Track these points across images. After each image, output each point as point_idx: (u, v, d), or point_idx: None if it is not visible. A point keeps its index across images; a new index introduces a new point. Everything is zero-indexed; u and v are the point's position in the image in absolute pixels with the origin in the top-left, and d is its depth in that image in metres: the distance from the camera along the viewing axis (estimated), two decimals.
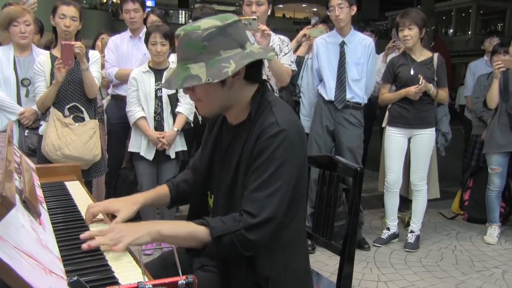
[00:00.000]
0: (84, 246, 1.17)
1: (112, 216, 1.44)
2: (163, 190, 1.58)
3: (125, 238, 1.19)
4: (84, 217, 1.44)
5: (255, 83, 1.37)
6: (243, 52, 1.29)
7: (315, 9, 26.52)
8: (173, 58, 3.58)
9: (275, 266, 1.36)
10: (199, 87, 1.29)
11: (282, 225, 1.34)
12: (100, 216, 1.45)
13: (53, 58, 2.99)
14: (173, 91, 3.20)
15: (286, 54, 3.08)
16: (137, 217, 3.45)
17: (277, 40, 3.09)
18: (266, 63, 3.01)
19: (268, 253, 1.35)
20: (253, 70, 1.33)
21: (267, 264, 1.34)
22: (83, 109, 3.02)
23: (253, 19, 2.82)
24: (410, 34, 3.31)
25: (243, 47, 1.30)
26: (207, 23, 1.27)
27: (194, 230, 1.26)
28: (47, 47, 3.65)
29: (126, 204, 1.44)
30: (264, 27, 2.87)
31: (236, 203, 1.33)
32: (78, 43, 2.89)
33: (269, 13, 3.08)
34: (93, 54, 3.12)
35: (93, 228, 1.36)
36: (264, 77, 3.05)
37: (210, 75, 1.23)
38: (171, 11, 24.29)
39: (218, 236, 1.24)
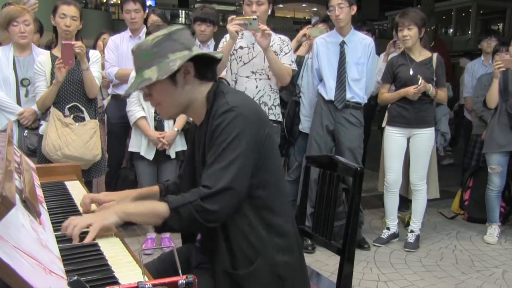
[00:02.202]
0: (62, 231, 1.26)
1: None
2: (155, 190, 1.67)
3: (95, 224, 1.26)
4: (82, 214, 1.48)
5: (210, 81, 1.45)
6: (190, 53, 1.39)
7: (315, 9, 26.52)
8: None
9: (264, 247, 1.39)
10: (155, 90, 1.40)
11: (260, 206, 1.39)
12: (94, 207, 1.54)
13: (53, 58, 2.99)
14: None
15: (286, 53, 3.08)
16: None
17: (277, 39, 3.09)
18: (266, 63, 3.00)
19: (254, 234, 1.38)
20: (204, 69, 1.43)
21: (254, 244, 1.38)
22: (83, 109, 3.02)
23: (254, 18, 2.82)
24: (409, 34, 3.31)
25: (190, 49, 1.40)
26: (154, 35, 1.40)
27: (154, 206, 1.33)
28: (48, 47, 3.65)
29: (118, 198, 1.56)
30: (265, 26, 2.86)
31: None
32: (79, 43, 2.89)
33: (269, 12, 3.07)
34: (94, 54, 3.12)
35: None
36: (264, 77, 3.05)
37: (160, 74, 1.35)
38: (171, 11, 24.27)
39: (175, 208, 1.30)
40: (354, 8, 3.28)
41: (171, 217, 1.30)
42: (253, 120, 1.36)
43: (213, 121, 1.36)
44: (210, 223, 1.32)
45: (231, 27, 2.86)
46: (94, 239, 1.24)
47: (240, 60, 3.05)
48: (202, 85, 1.44)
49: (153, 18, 3.84)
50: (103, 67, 3.48)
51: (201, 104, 1.44)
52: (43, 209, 1.37)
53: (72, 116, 2.99)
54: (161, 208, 1.31)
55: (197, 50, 1.42)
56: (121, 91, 3.63)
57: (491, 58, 4.64)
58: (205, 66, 1.43)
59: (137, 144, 3.27)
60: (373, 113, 4.57)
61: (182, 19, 25.34)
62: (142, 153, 3.24)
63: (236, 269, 1.38)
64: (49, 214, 1.44)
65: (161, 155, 3.25)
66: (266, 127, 1.41)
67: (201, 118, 1.46)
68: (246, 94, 1.55)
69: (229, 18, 2.94)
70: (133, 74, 3.23)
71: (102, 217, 1.29)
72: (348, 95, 3.31)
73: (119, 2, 17.66)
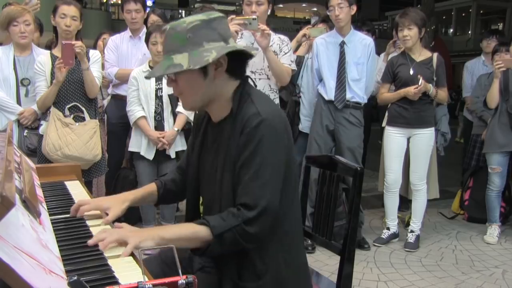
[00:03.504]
0: (91, 242, 1.20)
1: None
2: (151, 188, 1.62)
3: (131, 240, 1.20)
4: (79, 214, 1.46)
5: (237, 78, 1.39)
6: (226, 45, 1.32)
7: (315, 9, 26.52)
8: None
9: (272, 260, 1.37)
10: (182, 78, 1.33)
11: (277, 217, 1.35)
12: (96, 211, 1.49)
13: (53, 58, 2.99)
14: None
15: (286, 53, 3.07)
16: (137, 217, 3.45)
17: (277, 39, 3.09)
18: (265, 63, 3.00)
19: (262, 246, 1.35)
20: (236, 64, 1.36)
21: (262, 257, 1.36)
22: (83, 109, 3.02)
23: (253, 18, 2.82)
24: (409, 34, 3.31)
25: (226, 41, 1.33)
26: (193, 17, 1.32)
27: (196, 231, 1.28)
28: (48, 46, 3.65)
29: (116, 202, 1.48)
30: (264, 26, 2.86)
31: (223, 197, 1.36)
32: (79, 43, 2.89)
33: (269, 12, 3.07)
34: (94, 54, 3.12)
35: (90, 223, 1.40)
36: (264, 76, 3.05)
37: (192, 62, 1.27)
38: (171, 11, 24.27)
39: (219, 234, 1.26)
40: (354, 8, 3.28)
41: (215, 242, 1.27)
42: (283, 132, 1.34)
43: (244, 131, 1.30)
44: (251, 244, 1.31)
45: (231, 27, 2.85)
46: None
47: None
48: (229, 81, 1.37)
49: (153, 18, 3.84)
50: (103, 67, 3.48)
51: (225, 101, 1.38)
52: (43, 209, 1.37)
53: (72, 116, 2.99)
54: (203, 233, 1.27)
55: (233, 42, 1.36)
56: (121, 91, 3.63)
57: (492, 58, 4.65)
58: (237, 61, 1.36)
59: (137, 144, 3.27)
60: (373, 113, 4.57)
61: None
62: (142, 153, 3.24)
63: (243, 281, 1.36)
64: (49, 214, 1.44)
65: (161, 155, 3.25)
66: (289, 134, 1.39)
67: (221, 116, 1.41)
68: (269, 97, 1.48)
69: (229, 18, 2.94)
70: (134, 73, 3.23)
71: (139, 238, 1.22)
72: (348, 95, 3.31)
73: (119, 2, 17.65)
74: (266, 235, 1.32)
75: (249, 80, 1.45)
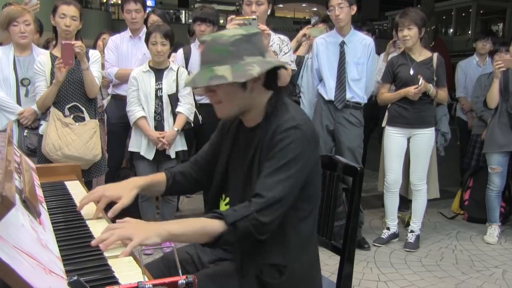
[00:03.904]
0: (93, 242, 1.19)
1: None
2: (160, 177, 1.62)
3: (135, 238, 1.17)
4: (82, 215, 1.46)
5: (271, 89, 1.45)
6: (264, 59, 1.39)
7: (315, 9, 26.52)
8: (173, 58, 3.58)
9: (291, 256, 1.41)
10: (222, 90, 1.37)
11: (299, 218, 1.41)
12: (100, 214, 1.48)
13: (53, 58, 2.99)
14: (173, 91, 3.21)
15: (286, 53, 3.07)
16: (137, 216, 3.45)
17: (276, 39, 3.08)
18: None
19: (286, 245, 1.40)
20: (271, 77, 1.42)
21: (285, 255, 1.40)
22: (83, 109, 3.02)
23: (253, 18, 2.81)
24: (409, 34, 3.31)
25: (263, 55, 1.40)
26: (233, 31, 1.38)
27: (204, 225, 1.28)
28: (45, 46, 3.65)
29: (125, 190, 1.48)
30: (264, 27, 2.86)
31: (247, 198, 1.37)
32: (79, 43, 2.89)
33: (269, 12, 3.07)
34: (94, 54, 3.12)
35: (91, 225, 1.39)
36: None
37: (236, 76, 1.31)
38: (171, 11, 24.27)
39: (233, 223, 1.28)
40: (354, 8, 3.28)
41: (229, 232, 1.28)
42: (314, 142, 1.39)
43: (276, 134, 1.35)
44: (262, 235, 1.32)
45: (230, 27, 2.85)
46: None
47: None
48: (264, 93, 1.43)
49: (153, 18, 3.84)
50: (103, 67, 3.48)
51: (260, 111, 1.44)
52: (43, 209, 1.37)
53: (72, 116, 2.99)
54: (213, 226, 1.28)
55: (268, 57, 1.43)
56: (121, 91, 3.63)
57: (486, 59, 4.65)
58: (272, 74, 1.42)
59: (137, 144, 3.27)
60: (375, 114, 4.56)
61: (182, 19, 25.35)
62: (142, 153, 3.24)
63: (265, 276, 1.39)
64: (49, 214, 1.44)
65: (161, 155, 3.25)
66: (318, 147, 1.44)
67: (255, 122, 1.46)
68: (301, 109, 1.56)
69: (229, 18, 2.94)
70: (134, 73, 3.23)
71: (144, 234, 1.19)
72: (348, 95, 3.31)
73: (119, 2, 17.64)
74: (275, 226, 1.34)
75: (282, 90, 1.51)
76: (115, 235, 1.19)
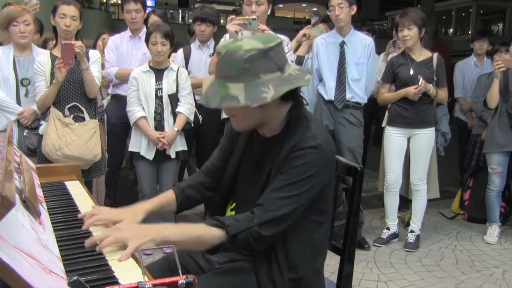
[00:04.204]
0: (87, 242, 1.19)
1: None
2: (169, 196, 1.57)
3: (131, 243, 1.17)
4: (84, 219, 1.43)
5: (290, 101, 1.39)
6: (282, 76, 1.30)
7: (315, 9, 26.52)
8: (173, 58, 3.59)
9: (307, 268, 1.43)
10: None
11: (312, 228, 1.42)
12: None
13: (53, 58, 2.99)
14: (173, 91, 3.21)
15: (286, 53, 3.07)
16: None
17: None
18: None
19: (301, 254, 1.41)
20: (289, 91, 1.31)
21: (298, 264, 1.40)
22: (83, 109, 3.02)
23: (253, 19, 2.82)
24: (409, 34, 3.31)
25: (282, 70, 1.31)
26: (250, 43, 1.28)
27: (203, 235, 1.27)
28: (42, 46, 3.65)
29: (132, 214, 1.42)
30: (264, 27, 2.86)
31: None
32: (79, 43, 2.89)
33: (269, 12, 3.07)
34: (93, 54, 3.12)
35: (92, 229, 1.36)
36: None
37: (249, 99, 1.25)
38: (171, 11, 24.27)
39: (234, 234, 1.28)
40: (354, 8, 3.28)
41: (228, 242, 1.28)
42: (330, 162, 1.38)
43: (295, 150, 1.32)
44: (261, 247, 1.33)
45: (230, 27, 2.85)
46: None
47: None
48: (283, 106, 1.37)
49: (154, 18, 3.84)
50: (103, 67, 3.48)
51: (277, 122, 1.39)
52: (43, 209, 1.37)
53: (72, 116, 2.99)
54: (213, 235, 1.27)
55: (288, 70, 1.33)
56: (121, 91, 3.63)
57: (484, 59, 4.65)
58: (290, 91, 1.31)
59: (137, 144, 3.27)
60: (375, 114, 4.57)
61: (181, 19, 25.34)
62: (142, 153, 3.24)
63: (276, 285, 1.39)
64: (49, 214, 1.44)
65: (161, 155, 3.25)
66: (333, 166, 1.44)
67: (275, 132, 1.41)
68: (323, 125, 1.53)
69: (229, 18, 2.94)
70: (134, 73, 3.23)
71: (139, 239, 1.19)
72: (348, 95, 3.31)
73: (119, 2, 17.64)
74: (274, 240, 1.35)
75: (301, 100, 1.45)
76: (111, 237, 1.19)
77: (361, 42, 3.35)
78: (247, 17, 2.86)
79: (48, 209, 1.50)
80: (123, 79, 3.54)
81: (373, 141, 4.93)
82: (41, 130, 3.01)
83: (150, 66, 3.23)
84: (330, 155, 1.37)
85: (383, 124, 3.65)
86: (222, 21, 10.76)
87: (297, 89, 1.38)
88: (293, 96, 1.37)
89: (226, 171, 1.55)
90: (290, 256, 1.39)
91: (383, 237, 3.57)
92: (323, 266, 1.54)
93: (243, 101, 1.25)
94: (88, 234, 1.32)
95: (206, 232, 1.28)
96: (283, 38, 3.12)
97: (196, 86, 3.45)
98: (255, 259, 1.41)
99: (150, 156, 3.23)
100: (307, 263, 1.43)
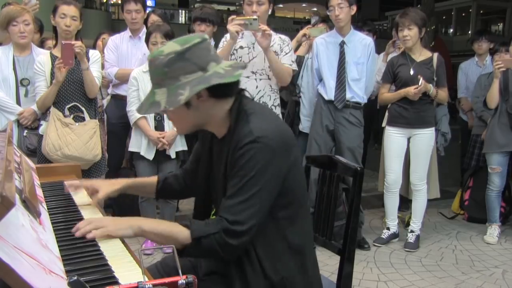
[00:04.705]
0: (75, 230, 1.27)
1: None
2: (150, 180, 1.67)
3: (108, 228, 1.26)
4: (82, 215, 1.48)
5: (230, 97, 1.36)
6: (204, 75, 1.28)
7: (315, 9, 26.53)
8: None
9: (286, 268, 1.37)
10: (169, 110, 1.32)
11: (283, 226, 1.36)
12: (88, 200, 1.60)
13: (53, 58, 2.99)
14: None
15: (287, 53, 3.07)
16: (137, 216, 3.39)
17: (277, 39, 3.09)
18: (266, 63, 3.00)
19: (275, 256, 1.36)
20: (220, 89, 1.30)
21: (276, 266, 1.35)
22: (83, 109, 3.02)
23: (254, 19, 2.81)
24: (409, 34, 3.31)
25: (204, 69, 1.29)
26: (170, 47, 1.29)
27: (175, 231, 1.29)
28: (39, 46, 3.66)
29: (108, 183, 1.59)
30: (265, 27, 2.86)
31: None
32: (78, 43, 2.89)
33: (269, 12, 3.07)
34: (94, 54, 3.12)
35: (86, 215, 1.46)
36: (265, 77, 3.04)
37: (167, 102, 1.27)
38: (171, 11, 24.26)
39: (197, 238, 1.27)
40: (354, 8, 3.28)
41: (192, 245, 1.27)
42: (280, 151, 1.29)
43: (236, 149, 1.28)
44: (228, 256, 1.30)
45: (231, 27, 2.85)
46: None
47: (240, 60, 3.05)
48: (219, 103, 1.34)
49: (154, 18, 3.84)
50: (102, 67, 3.48)
51: (221, 120, 1.36)
52: (43, 209, 1.37)
53: (72, 116, 2.99)
54: (182, 234, 1.27)
55: (214, 67, 1.30)
56: (121, 91, 3.63)
57: (486, 58, 4.65)
58: (222, 85, 1.28)
59: (137, 144, 3.27)
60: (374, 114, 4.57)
61: (182, 19, 25.35)
62: (142, 153, 3.24)
63: None
64: (49, 214, 1.44)
65: (161, 155, 3.25)
66: (291, 152, 1.34)
67: (222, 132, 1.39)
68: (270, 112, 1.45)
69: (230, 18, 2.94)
70: (134, 73, 3.23)
71: (117, 225, 1.28)
72: (348, 95, 3.31)
73: (119, 2, 17.64)
74: (244, 248, 1.31)
75: (246, 94, 1.42)
76: (91, 224, 1.26)
77: (361, 42, 3.36)
78: (248, 17, 2.85)
79: (48, 209, 1.50)
80: (123, 79, 3.54)
81: (374, 139, 4.93)
82: (41, 130, 3.01)
83: None
84: (277, 144, 1.28)
85: (383, 124, 3.65)
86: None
87: (235, 85, 1.34)
88: (230, 93, 1.35)
89: (198, 178, 1.55)
90: (264, 260, 1.34)
91: (383, 237, 3.57)
92: (311, 262, 1.46)
93: (163, 106, 1.27)
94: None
95: (178, 231, 1.28)
96: (284, 38, 3.13)
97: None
98: (229, 269, 1.37)
99: (150, 156, 3.23)
100: (286, 263, 1.37)
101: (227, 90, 1.33)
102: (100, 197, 1.53)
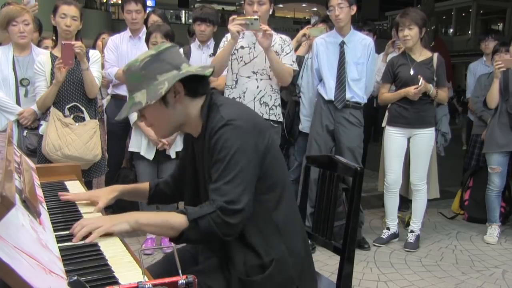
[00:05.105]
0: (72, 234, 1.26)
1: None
2: (144, 185, 1.72)
3: (103, 226, 1.26)
4: (82, 214, 1.49)
5: (202, 96, 1.43)
6: (179, 73, 1.37)
7: (315, 9, 26.52)
8: None
9: (275, 250, 1.40)
10: (147, 112, 1.40)
11: (269, 209, 1.41)
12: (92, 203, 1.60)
13: (53, 58, 2.99)
14: None
15: (287, 54, 3.07)
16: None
17: (278, 40, 3.08)
18: (267, 63, 3.00)
19: (264, 238, 1.40)
20: (194, 85, 1.40)
21: (266, 249, 1.39)
22: (83, 109, 3.02)
23: (255, 19, 2.81)
24: (410, 34, 3.30)
25: (178, 68, 1.38)
26: (144, 54, 1.39)
27: (170, 219, 1.32)
28: (37, 45, 3.65)
29: (105, 192, 1.62)
30: (266, 27, 2.85)
31: None
32: (78, 43, 2.89)
33: (270, 12, 3.07)
34: (93, 54, 3.12)
35: (86, 215, 1.47)
36: (265, 77, 3.04)
37: (149, 98, 1.34)
38: (171, 11, 24.26)
39: (194, 219, 1.29)
40: (354, 8, 3.28)
41: (189, 228, 1.29)
42: (251, 131, 1.35)
43: (211, 137, 1.35)
44: (227, 236, 1.33)
45: (232, 27, 2.85)
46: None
47: (241, 60, 3.05)
48: (193, 102, 1.42)
49: (154, 18, 3.84)
50: (102, 67, 3.48)
51: (196, 119, 1.43)
52: (43, 209, 1.37)
53: (72, 116, 2.98)
54: (178, 220, 1.30)
55: (186, 67, 1.39)
56: (121, 91, 3.63)
57: (492, 58, 4.66)
58: (195, 82, 1.40)
59: (137, 144, 3.27)
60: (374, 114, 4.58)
61: (182, 19, 25.34)
62: (142, 153, 3.24)
63: (250, 276, 1.39)
64: (49, 214, 1.44)
65: (161, 155, 3.25)
66: (266, 134, 1.40)
67: (198, 131, 1.45)
68: (240, 103, 1.56)
69: (231, 18, 2.94)
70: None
71: (112, 222, 1.28)
72: (348, 95, 3.31)
73: (119, 2, 17.64)
74: (242, 227, 1.35)
75: (217, 92, 1.49)
76: (86, 227, 1.26)
77: (360, 42, 3.35)
78: (249, 17, 2.85)
79: (48, 209, 1.50)
80: (123, 79, 3.54)
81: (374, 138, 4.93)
82: (41, 130, 3.01)
83: None
84: (249, 125, 1.36)
85: (383, 124, 3.65)
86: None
87: (205, 85, 1.44)
88: (203, 92, 1.43)
89: (185, 180, 1.61)
90: (254, 243, 1.38)
91: (383, 237, 3.57)
92: (301, 243, 1.50)
93: (144, 102, 1.33)
94: (88, 234, 1.32)
95: (174, 218, 1.31)
96: (285, 38, 3.12)
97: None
98: (219, 255, 1.42)
99: (150, 156, 3.23)
100: (275, 245, 1.40)
101: (200, 88, 1.42)
102: (101, 207, 1.55)
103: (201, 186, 1.52)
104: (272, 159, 1.41)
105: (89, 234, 1.24)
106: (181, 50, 3.64)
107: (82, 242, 1.23)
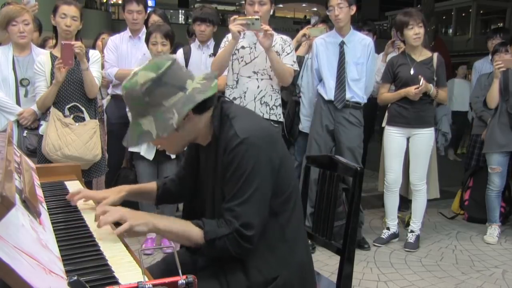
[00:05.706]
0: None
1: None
2: (151, 186, 1.70)
3: (130, 221, 1.27)
4: (82, 214, 1.48)
5: (209, 109, 1.40)
6: (185, 95, 1.31)
7: (315, 9, 26.52)
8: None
9: (281, 264, 1.39)
10: (159, 139, 1.34)
11: (280, 225, 1.39)
12: (92, 204, 1.60)
13: (53, 58, 2.99)
14: None
15: (288, 54, 3.07)
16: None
17: (279, 40, 3.08)
18: (267, 63, 3.00)
19: (271, 252, 1.39)
20: (201, 104, 1.33)
21: (272, 263, 1.38)
22: (83, 109, 3.02)
23: (256, 19, 2.81)
24: (420, 32, 3.29)
25: (183, 89, 1.32)
26: (143, 76, 1.30)
27: (188, 230, 1.32)
28: (41, 45, 3.65)
29: (114, 191, 1.60)
30: (267, 27, 2.85)
31: (215, 211, 1.41)
32: (78, 43, 2.89)
33: (271, 12, 3.07)
34: (93, 54, 3.11)
35: (86, 215, 1.46)
36: (266, 77, 3.04)
37: (159, 129, 1.29)
38: (171, 11, 24.25)
39: (211, 240, 1.30)
40: (354, 8, 3.28)
41: (205, 246, 1.31)
42: (265, 146, 1.33)
43: (226, 154, 1.33)
44: (239, 255, 1.34)
45: (233, 27, 2.85)
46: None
47: (242, 60, 3.05)
48: (203, 115, 1.38)
49: (154, 18, 3.84)
50: (102, 67, 3.48)
51: (206, 130, 1.41)
52: (43, 209, 1.37)
53: (72, 116, 2.98)
54: (195, 233, 1.31)
55: (191, 85, 1.33)
56: (121, 91, 3.62)
57: (491, 58, 4.65)
58: (203, 101, 1.32)
59: None
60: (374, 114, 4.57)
61: (182, 19, 25.34)
62: (142, 153, 3.24)
63: (252, 285, 1.37)
64: (49, 214, 1.44)
65: (161, 155, 3.25)
66: (278, 144, 1.40)
67: (207, 141, 1.44)
68: (251, 112, 1.52)
69: (231, 18, 2.94)
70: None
71: (135, 220, 1.28)
72: (348, 95, 3.31)
73: (119, 2, 17.64)
74: (254, 246, 1.34)
75: (225, 99, 1.46)
76: (114, 215, 1.28)
77: (360, 42, 3.35)
78: (250, 17, 2.85)
79: (48, 209, 1.50)
80: (122, 79, 3.52)
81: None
82: (41, 130, 3.01)
83: None
84: (263, 140, 1.34)
85: (383, 124, 3.65)
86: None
87: (210, 99, 1.36)
88: (211, 104, 1.38)
89: (189, 183, 1.61)
90: (260, 259, 1.37)
91: (383, 237, 3.57)
92: (308, 262, 1.49)
93: (155, 134, 1.29)
94: (88, 234, 1.32)
95: (191, 231, 1.31)
96: (286, 38, 3.12)
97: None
98: (225, 266, 1.40)
99: (150, 156, 3.23)
100: (283, 260, 1.40)
101: (208, 103, 1.37)
102: (109, 202, 1.53)
103: (204, 191, 1.51)
104: (286, 168, 1.40)
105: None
106: (181, 50, 3.65)
107: (82, 239, 1.23)
